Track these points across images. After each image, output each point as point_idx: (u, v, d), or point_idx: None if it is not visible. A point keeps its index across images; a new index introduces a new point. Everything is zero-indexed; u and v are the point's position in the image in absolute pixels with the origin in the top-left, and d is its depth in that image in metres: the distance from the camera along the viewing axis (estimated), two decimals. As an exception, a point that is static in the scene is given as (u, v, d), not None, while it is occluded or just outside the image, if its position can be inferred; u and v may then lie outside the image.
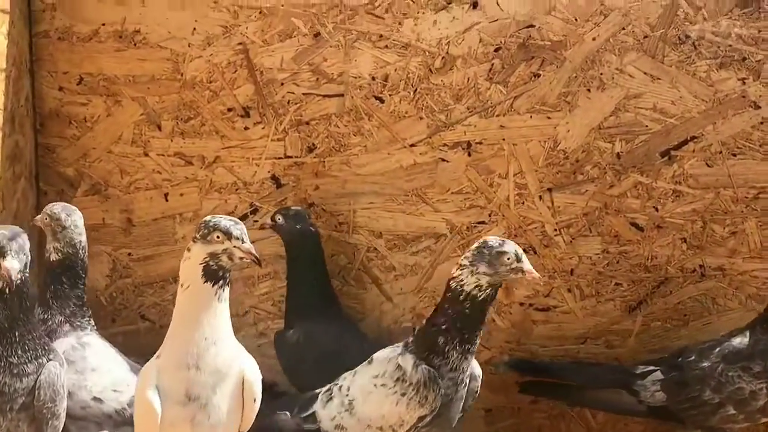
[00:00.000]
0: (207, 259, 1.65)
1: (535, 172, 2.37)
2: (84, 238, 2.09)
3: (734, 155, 2.34)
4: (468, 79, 2.36)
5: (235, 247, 1.65)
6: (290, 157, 2.39)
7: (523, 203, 2.38)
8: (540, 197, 2.38)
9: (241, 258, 1.66)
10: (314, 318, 2.21)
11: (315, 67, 2.36)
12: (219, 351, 1.66)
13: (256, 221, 2.41)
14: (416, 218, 2.40)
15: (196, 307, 1.66)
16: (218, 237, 1.65)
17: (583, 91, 2.35)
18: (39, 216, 2.08)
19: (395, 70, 2.35)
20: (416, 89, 2.36)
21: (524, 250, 2.34)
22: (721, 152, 2.34)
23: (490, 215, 2.39)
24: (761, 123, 2.33)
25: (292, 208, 2.31)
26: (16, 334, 1.63)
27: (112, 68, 2.38)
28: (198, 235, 1.66)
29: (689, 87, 2.33)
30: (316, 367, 2.17)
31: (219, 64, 2.36)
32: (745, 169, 2.34)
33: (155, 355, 1.70)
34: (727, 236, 2.36)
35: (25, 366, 1.62)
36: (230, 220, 1.67)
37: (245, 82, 2.38)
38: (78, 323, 2.02)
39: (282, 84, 2.37)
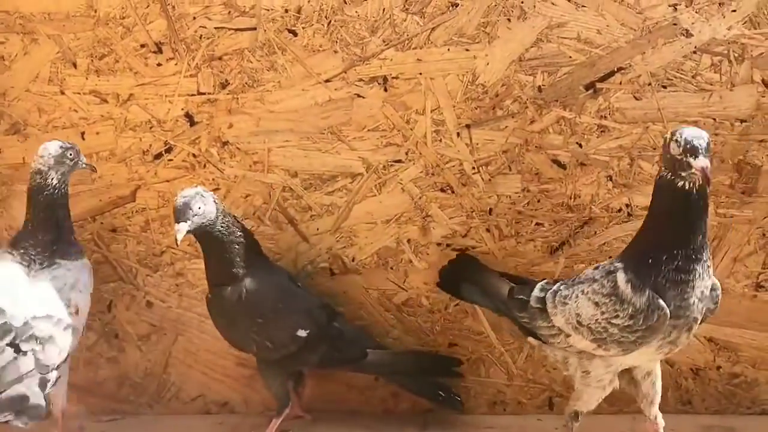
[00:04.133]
0: None
1: (452, 107, 2.27)
2: None
3: (664, 87, 2.20)
4: (383, 9, 2.26)
5: None
6: (203, 93, 2.34)
7: (440, 140, 2.29)
8: (458, 134, 2.28)
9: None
10: (254, 269, 2.13)
11: None
12: None
13: (171, 160, 2.37)
14: (332, 157, 2.33)
15: None
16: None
17: (503, 21, 2.22)
18: None
19: (308, 1, 2.27)
20: (330, 21, 2.28)
21: (442, 189, 2.31)
22: (650, 84, 2.20)
23: (407, 153, 2.31)
24: (694, 52, 2.18)
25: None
26: None
27: (28, 6, 2.36)
28: None
29: (616, 15, 2.19)
30: (273, 317, 2.14)
31: (132, -1, 2.32)
32: (676, 102, 2.20)
33: None
34: (656, 174, 2.22)
35: None
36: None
37: (157, 17, 2.33)
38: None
39: (194, 18, 2.32)
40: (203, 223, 2.04)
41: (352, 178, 2.33)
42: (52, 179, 2.16)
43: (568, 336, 1.91)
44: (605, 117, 2.22)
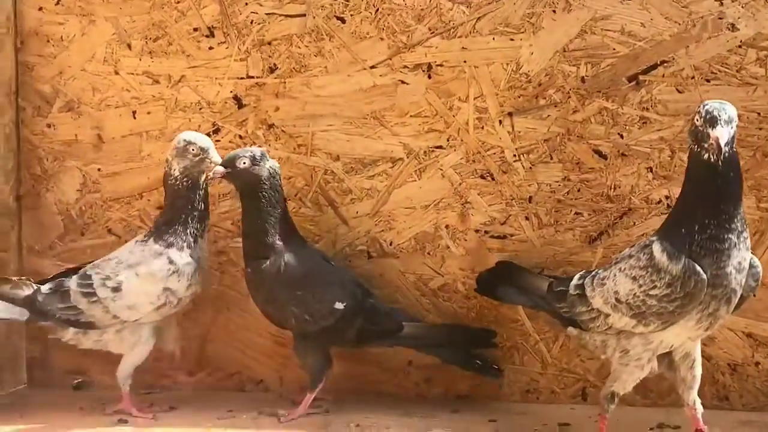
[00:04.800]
0: None
1: (495, 95, 2.30)
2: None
3: (708, 81, 2.21)
4: (430, -1, 2.31)
5: None
6: (252, 77, 2.41)
7: (482, 128, 2.32)
8: (500, 122, 2.31)
9: None
10: (291, 245, 2.19)
11: (278, -14, 2.36)
12: None
13: (218, 141, 2.43)
14: (374, 141, 2.37)
15: None
16: None
17: (548, 12, 2.26)
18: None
19: (357, -11, 2.33)
20: (377, 9, 2.33)
21: (482, 176, 2.34)
22: (693, 77, 2.21)
23: (448, 139, 2.34)
24: (739, 46, 2.19)
25: (244, 151, 2.18)
26: None
27: (88, -12, 2.46)
28: None
29: (661, 8, 2.21)
30: (311, 289, 2.19)
31: (186, -17, 2.40)
32: (719, 95, 2.18)
33: None
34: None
35: None
36: None
37: (211, 2, 2.41)
38: None
39: (246, 4, 2.39)
40: (246, 177, 2.15)
41: (392, 163, 2.37)
42: (174, 170, 2.22)
43: (607, 316, 1.91)
44: (647, 109, 2.24)
